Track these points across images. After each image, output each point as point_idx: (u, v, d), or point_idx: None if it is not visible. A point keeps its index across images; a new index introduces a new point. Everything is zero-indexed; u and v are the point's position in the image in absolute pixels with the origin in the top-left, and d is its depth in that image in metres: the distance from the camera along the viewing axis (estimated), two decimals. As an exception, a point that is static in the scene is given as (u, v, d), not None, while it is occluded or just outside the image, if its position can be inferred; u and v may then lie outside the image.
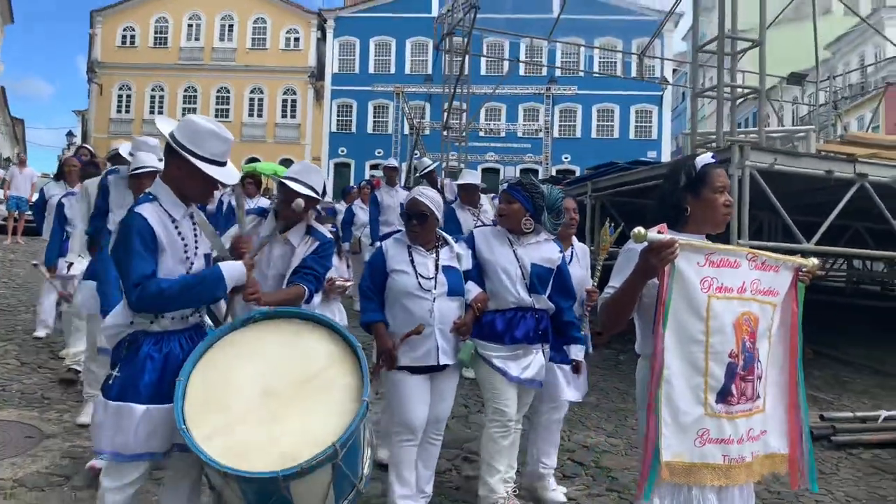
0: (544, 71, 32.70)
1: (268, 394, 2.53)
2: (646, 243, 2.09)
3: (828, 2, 38.85)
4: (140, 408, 2.54)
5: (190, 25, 38.46)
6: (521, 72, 32.86)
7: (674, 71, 37.72)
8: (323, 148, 37.26)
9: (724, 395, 2.13)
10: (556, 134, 36.19)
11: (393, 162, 9.27)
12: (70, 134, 24.53)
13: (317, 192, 3.26)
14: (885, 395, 5.96)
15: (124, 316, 2.61)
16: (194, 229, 2.70)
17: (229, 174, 2.68)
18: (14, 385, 5.32)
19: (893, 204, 6.63)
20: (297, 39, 38.46)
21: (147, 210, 2.56)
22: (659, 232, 2.12)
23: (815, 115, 19.88)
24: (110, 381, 2.61)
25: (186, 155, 2.57)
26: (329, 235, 3.38)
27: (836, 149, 7.24)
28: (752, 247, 6.31)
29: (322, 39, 38.21)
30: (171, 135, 2.63)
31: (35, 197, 10.26)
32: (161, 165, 4.14)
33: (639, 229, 2.08)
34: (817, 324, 8.20)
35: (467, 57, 15.12)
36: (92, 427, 2.77)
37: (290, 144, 37.21)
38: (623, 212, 8.23)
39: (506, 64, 30.55)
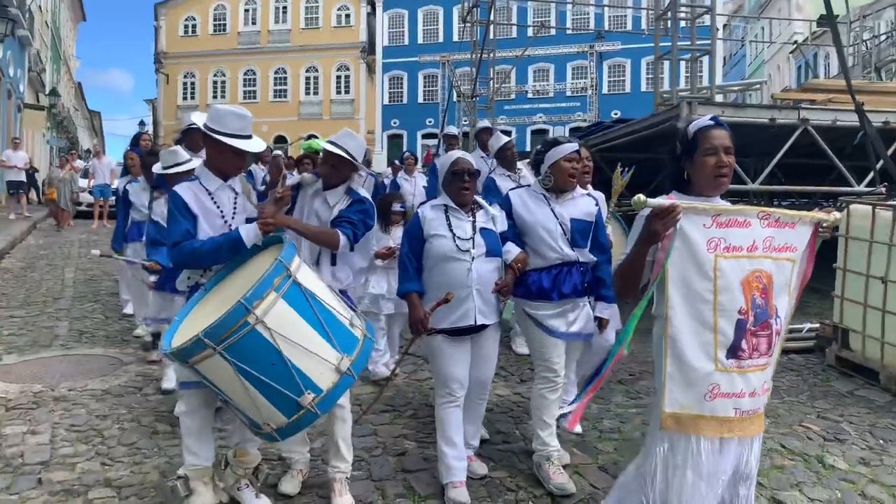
0: (592, 27, 32.67)
1: (224, 299, 2.80)
2: (648, 209, 2.14)
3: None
4: None
5: (246, 11, 40.19)
6: (568, 29, 32.98)
7: (724, 26, 36.70)
8: (376, 121, 38.51)
9: (734, 351, 2.17)
10: (605, 90, 36.18)
11: (452, 129, 9.51)
12: (141, 123, 26.58)
13: (349, 155, 3.38)
14: (829, 313, 6.67)
15: (185, 271, 3.16)
16: (234, 198, 3.13)
17: (253, 144, 3.09)
18: (100, 332, 6.80)
19: (846, 143, 7.27)
20: (347, 16, 39.60)
21: (181, 188, 3.04)
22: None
23: (857, 55, 19.56)
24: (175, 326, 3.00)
25: (212, 134, 3.00)
26: (364, 194, 3.51)
27: (790, 96, 7.84)
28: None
29: (372, 13, 39.14)
30: (204, 124, 3.06)
31: (115, 183, 11.11)
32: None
33: (639, 196, 2.11)
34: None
35: (492, 26, 16.03)
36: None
37: (346, 120, 38.40)
38: (613, 167, 8.97)
39: (552, 24, 30.86)
